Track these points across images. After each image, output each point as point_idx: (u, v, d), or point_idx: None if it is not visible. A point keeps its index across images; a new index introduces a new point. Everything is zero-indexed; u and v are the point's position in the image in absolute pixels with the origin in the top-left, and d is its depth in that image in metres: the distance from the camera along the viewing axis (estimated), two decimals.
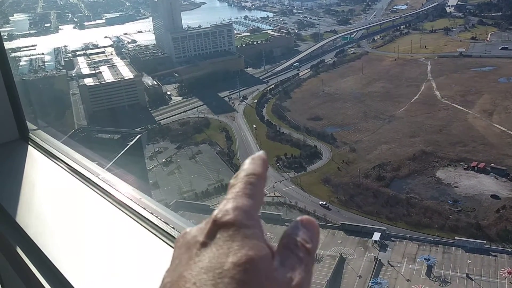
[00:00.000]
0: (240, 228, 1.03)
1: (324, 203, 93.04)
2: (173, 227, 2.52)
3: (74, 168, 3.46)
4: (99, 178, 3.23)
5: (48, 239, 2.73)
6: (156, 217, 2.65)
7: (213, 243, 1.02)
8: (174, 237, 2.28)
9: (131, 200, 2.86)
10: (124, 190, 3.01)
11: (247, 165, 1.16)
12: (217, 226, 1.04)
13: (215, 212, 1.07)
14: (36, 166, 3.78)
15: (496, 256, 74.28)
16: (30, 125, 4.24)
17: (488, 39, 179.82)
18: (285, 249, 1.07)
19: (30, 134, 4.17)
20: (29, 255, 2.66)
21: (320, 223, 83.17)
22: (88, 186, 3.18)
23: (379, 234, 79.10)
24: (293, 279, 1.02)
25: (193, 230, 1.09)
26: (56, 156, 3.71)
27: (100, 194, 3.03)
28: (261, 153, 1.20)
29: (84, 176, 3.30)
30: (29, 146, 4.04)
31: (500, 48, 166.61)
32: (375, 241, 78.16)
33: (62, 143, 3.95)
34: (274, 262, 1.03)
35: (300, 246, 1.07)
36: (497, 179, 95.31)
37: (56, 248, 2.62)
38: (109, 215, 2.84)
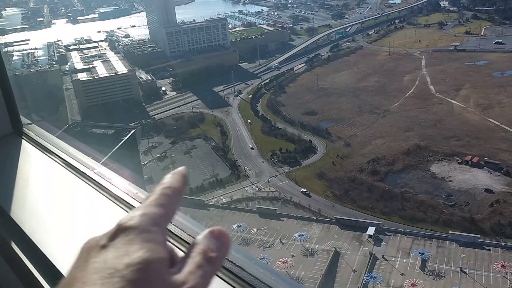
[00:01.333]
0: (142, 233, 1.07)
1: (305, 190, 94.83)
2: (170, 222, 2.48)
3: (69, 163, 3.41)
4: (94, 172, 3.19)
5: (43, 234, 2.69)
6: None
7: (112, 246, 1.06)
8: (172, 232, 2.30)
9: (127, 194, 2.81)
10: (120, 184, 2.96)
11: (166, 179, 1.24)
12: (120, 230, 1.09)
13: (122, 218, 1.12)
14: (31, 160, 3.74)
15: (490, 250, 74.69)
16: (24, 120, 4.18)
17: (482, 33, 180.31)
18: (186, 256, 1.13)
19: (24, 128, 4.11)
20: (24, 250, 2.62)
21: (315, 218, 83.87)
22: (83, 180, 3.14)
23: (374, 228, 79.34)
24: (185, 283, 1.06)
25: (98, 236, 1.12)
26: (50, 150, 3.66)
27: (95, 189, 2.98)
28: (181, 168, 1.30)
29: (79, 170, 3.26)
30: (23, 140, 3.98)
31: (494, 42, 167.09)
32: (370, 236, 78.39)
33: (56, 138, 3.90)
34: (174, 268, 1.09)
35: (203, 254, 1.13)
36: (491, 173, 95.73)
37: (52, 244, 2.58)
38: (105, 210, 2.80)
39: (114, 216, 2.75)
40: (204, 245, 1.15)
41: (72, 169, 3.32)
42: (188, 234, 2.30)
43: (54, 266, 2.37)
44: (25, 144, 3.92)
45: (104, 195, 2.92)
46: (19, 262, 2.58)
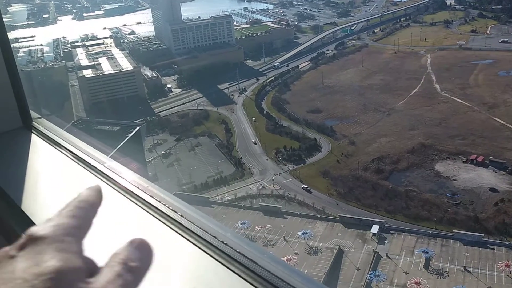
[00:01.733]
0: (53, 243, 1.02)
1: (306, 186, 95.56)
2: (181, 215, 2.49)
3: (78, 156, 3.43)
4: (104, 166, 3.20)
5: None
6: (164, 205, 2.62)
7: (21, 256, 1.01)
8: (183, 225, 2.29)
9: (138, 188, 2.83)
10: (131, 178, 2.98)
11: (81, 193, 1.23)
12: (30, 240, 1.03)
13: (32, 228, 1.06)
14: (40, 154, 3.76)
15: (494, 249, 74.48)
16: (33, 114, 4.21)
17: (488, 32, 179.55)
18: (106, 266, 1.09)
19: (33, 122, 4.14)
20: None
21: (319, 216, 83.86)
22: (94, 174, 3.15)
23: (378, 226, 79.28)
24: None
25: (7, 247, 1.07)
26: (60, 144, 3.68)
27: (106, 182, 2.99)
28: (96, 185, 1.28)
29: (89, 164, 3.27)
30: (32, 134, 4.01)
31: (500, 41, 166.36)
32: (374, 234, 78.34)
33: (65, 131, 3.92)
34: (92, 278, 1.04)
35: (122, 264, 1.08)
36: (496, 172, 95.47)
37: None
38: (116, 203, 2.81)
39: (125, 209, 2.76)
40: (124, 255, 1.12)
41: (82, 163, 3.34)
42: (200, 228, 2.31)
43: None
44: (34, 138, 3.95)
45: (115, 189, 2.93)
46: None
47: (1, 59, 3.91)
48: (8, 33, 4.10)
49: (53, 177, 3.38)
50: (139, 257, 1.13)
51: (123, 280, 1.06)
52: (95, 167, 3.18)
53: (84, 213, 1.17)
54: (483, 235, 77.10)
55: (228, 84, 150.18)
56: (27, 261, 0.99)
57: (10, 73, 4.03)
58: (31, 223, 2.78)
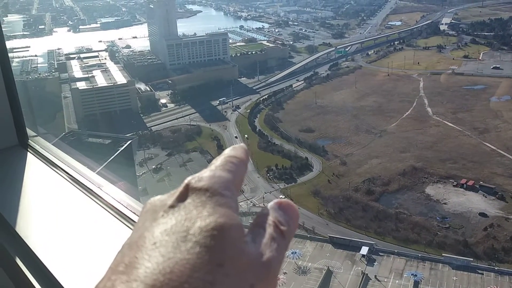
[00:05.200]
0: (214, 196, 0.97)
1: (283, 196, 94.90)
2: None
3: (74, 177, 3.42)
4: (100, 188, 3.19)
5: (49, 250, 2.69)
6: None
7: (182, 207, 0.96)
8: None
9: (134, 213, 2.82)
10: (126, 203, 2.97)
11: (228, 150, 1.14)
12: (189, 191, 0.99)
13: (189, 178, 1.02)
14: (36, 173, 3.74)
15: (483, 274, 74.52)
16: (29, 132, 4.20)
17: (480, 58, 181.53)
18: (258, 227, 1.01)
19: (29, 140, 4.13)
20: (29, 266, 2.61)
21: (308, 235, 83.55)
22: (89, 197, 3.15)
23: (367, 248, 79.13)
24: (263, 255, 0.95)
25: (163, 196, 1.04)
26: (55, 164, 3.67)
27: (102, 206, 2.99)
28: (241, 144, 1.19)
29: (84, 185, 3.27)
30: (28, 153, 3.99)
31: (492, 67, 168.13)
32: (363, 255, 78.14)
33: (61, 151, 3.91)
34: (246, 237, 0.96)
35: (274, 227, 1.01)
36: (486, 197, 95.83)
37: (57, 260, 2.58)
38: (111, 228, 2.81)
39: (118, 233, 2.75)
40: (274, 217, 1.03)
41: (78, 185, 3.33)
42: None
43: (59, 283, 2.37)
44: (30, 157, 3.93)
45: (111, 213, 2.93)
46: (23, 278, 2.57)
47: (0, 78, 3.91)
48: (9, 54, 4.12)
49: (47, 198, 3.36)
50: (287, 221, 1.04)
51: (277, 244, 0.98)
52: (91, 189, 3.17)
53: (237, 168, 1.08)
54: (472, 259, 77.15)
55: (222, 100, 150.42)
56: (188, 213, 0.94)
57: (9, 90, 4.03)
58: (25, 246, 2.75)
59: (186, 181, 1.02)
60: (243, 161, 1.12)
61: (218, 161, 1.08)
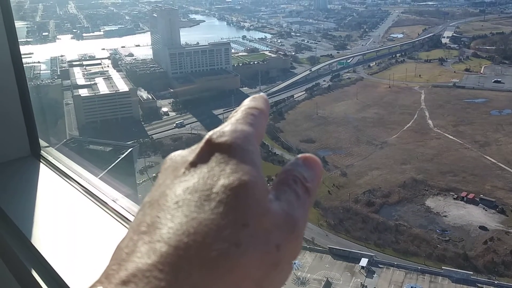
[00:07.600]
0: (237, 152, 0.90)
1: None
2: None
3: (88, 190, 3.45)
4: (114, 201, 3.22)
5: (65, 263, 2.72)
6: None
7: (204, 164, 0.88)
8: None
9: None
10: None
11: (248, 101, 1.06)
12: (211, 147, 0.91)
13: (210, 133, 0.94)
14: (49, 184, 3.77)
15: (482, 287, 74.22)
16: (42, 143, 4.23)
17: (481, 71, 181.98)
18: (283, 184, 0.95)
19: (41, 151, 4.16)
20: (45, 279, 2.63)
21: (308, 246, 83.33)
22: (103, 209, 3.18)
23: (367, 260, 78.88)
24: (289, 214, 0.89)
25: (184, 151, 0.96)
26: (69, 175, 3.71)
27: (117, 220, 3.02)
28: (262, 93, 1.11)
29: (99, 199, 3.30)
30: (40, 163, 4.03)
31: (493, 81, 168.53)
32: (362, 267, 77.87)
33: (74, 162, 3.94)
34: (270, 195, 0.90)
35: (299, 183, 0.96)
36: (486, 210, 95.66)
37: (73, 273, 2.61)
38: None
39: None
40: (299, 173, 0.97)
41: (91, 196, 3.36)
42: None
43: None
44: (42, 168, 3.96)
45: (124, 225, 2.95)
46: None
47: (15, 88, 3.96)
48: (24, 65, 4.17)
49: (62, 209, 3.39)
50: (311, 177, 0.98)
51: (302, 202, 0.94)
52: (106, 203, 3.20)
53: (258, 120, 1.00)
54: (472, 273, 76.87)
55: (223, 110, 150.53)
56: (211, 170, 0.86)
57: (23, 100, 4.08)
58: (41, 258, 2.78)
59: (207, 136, 0.93)
60: (264, 112, 1.05)
61: (238, 113, 1.01)
